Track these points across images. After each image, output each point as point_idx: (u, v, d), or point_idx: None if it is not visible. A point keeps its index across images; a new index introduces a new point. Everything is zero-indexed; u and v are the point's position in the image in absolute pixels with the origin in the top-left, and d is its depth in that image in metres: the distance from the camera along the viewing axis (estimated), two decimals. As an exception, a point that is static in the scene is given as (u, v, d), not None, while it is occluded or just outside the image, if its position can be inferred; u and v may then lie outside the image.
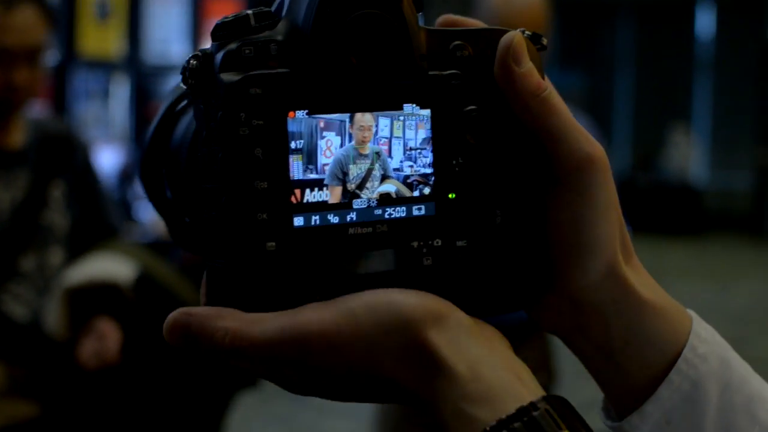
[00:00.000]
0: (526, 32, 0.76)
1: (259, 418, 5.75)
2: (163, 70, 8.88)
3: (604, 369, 0.75)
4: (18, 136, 2.85)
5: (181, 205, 0.79)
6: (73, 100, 8.14)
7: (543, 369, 3.09)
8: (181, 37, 9.13)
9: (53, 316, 2.78)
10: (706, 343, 0.74)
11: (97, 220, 2.99)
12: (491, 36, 0.75)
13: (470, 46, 0.74)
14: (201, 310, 0.69)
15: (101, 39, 8.44)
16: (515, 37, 0.73)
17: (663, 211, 14.76)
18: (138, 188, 7.37)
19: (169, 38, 9.03)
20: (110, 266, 2.84)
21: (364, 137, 0.70)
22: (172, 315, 0.70)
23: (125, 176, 7.31)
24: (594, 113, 15.93)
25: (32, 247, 2.82)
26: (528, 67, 0.72)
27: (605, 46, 17.30)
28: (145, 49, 8.78)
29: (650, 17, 16.90)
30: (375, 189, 0.71)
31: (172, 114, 0.82)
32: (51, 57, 3.32)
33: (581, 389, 5.98)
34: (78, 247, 2.88)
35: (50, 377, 2.78)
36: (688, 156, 15.71)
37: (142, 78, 8.78)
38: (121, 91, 8.56)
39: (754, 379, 0.76)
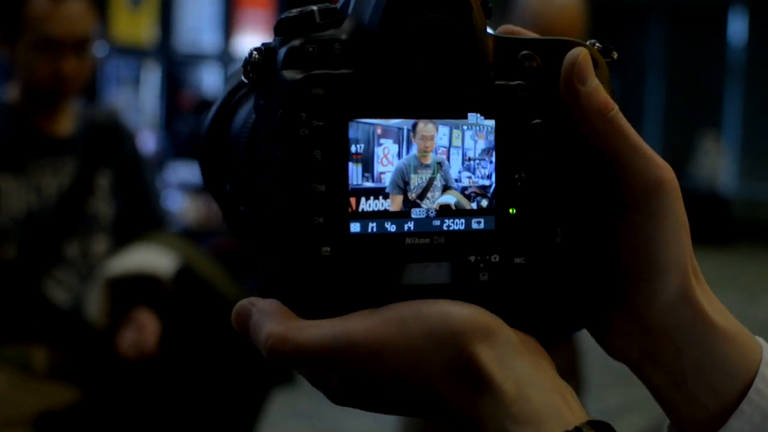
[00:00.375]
0: (597, 44, 0.74)
1: (281, 412, 5.73)
2: (194, 59, 8.92)
3: (674, 397, 0.74)
4: (66, 124, 2.92)
5: (237, 195, 0.78)
6: (104, 87, 8.16)
7: (571, 376, 3.06)
8: (213, 26, 9.17)
9: (94, 305, 2.84)
10: None
11: (142, 210, 3.06)
12: (561, 47, 0.73)
13: (539, 57, 0.72)
14: (263, 304, 0.68)
15: (133, 26, 8.49)
16: (580, 54, 0.71)
17: (691, 219, 14.55)
18: (167, 176, 7.36)
19: (201, 27, 9.07)
20: (151, 258, 2.89)
21: (426, 147, 0.69)
22: (240, 302, 0.70)
23: (155, 164, 7.30)
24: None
25: (77, 234, 2.88)
26: (593, 86, 0.71)
27: (637, 50, 17.27)
28: (177, 37, 8.82)
29: (682, 22, 16.86)
30: (436, 199, 0.70)
31: (232, 101, 0.81)
32: (99, 48, 3.41)
33: (608, 396, 5.94)
34: (122, 236, 2.97)
35: (89, 364, 2.83)
36: (718, 164, 15.67)
37: (173, 66, 8.83)
38: (152, 79, 8.59)
39: None
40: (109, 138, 2.97)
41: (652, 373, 0.74)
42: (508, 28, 0.75)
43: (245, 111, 0.78)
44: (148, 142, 7.88)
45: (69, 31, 2.76)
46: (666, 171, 0.71)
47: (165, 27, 8.70)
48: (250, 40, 8.59)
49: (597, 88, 0.71)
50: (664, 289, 0.71)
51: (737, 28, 16.46)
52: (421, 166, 0.69)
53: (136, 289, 2.84)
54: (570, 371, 3.12)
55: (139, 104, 8.63)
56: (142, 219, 3.02)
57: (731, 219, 15.45)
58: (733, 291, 11.06)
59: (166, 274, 2.88)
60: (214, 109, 0.81)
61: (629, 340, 0.74)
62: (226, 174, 0.80)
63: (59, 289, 2.85)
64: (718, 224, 15.01)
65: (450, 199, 0.69)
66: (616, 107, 0.71)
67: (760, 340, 0.75)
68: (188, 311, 2.91)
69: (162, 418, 2.89)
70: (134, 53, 8.55)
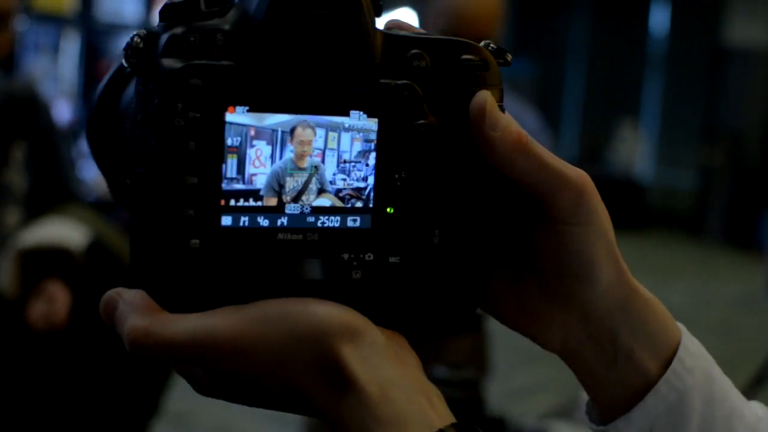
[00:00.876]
0: (492, 45, 0.74)
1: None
2: (114, 28, 8.81)
3: (604, 378, 0.76)
4: None
5: (122, 167, 0.76)
6: (23, 55, 8.04)
7: (478, 360, 3.08)
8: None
9: (5, 275, 2.83)
10: (693, 356, 0.76)
11: (56, 183, 3.03)
12: (453, 49, 0.72)
13: (428, 56, 0.71)
14: (129, 296, 0.67)
15: (53, -6, 8.33)
16: (486, 100, 0.71)
17: (607, 205, 14.69)
18: (83, 146, 7.29)
19: (123, -3, 8.94)
20: (63, 231, 2.87)
21: (304, 151, 0.68)
22: (108, 292, 0.68)
23: (71, 133, 7.22)
24: (543, 102, 16.07)
25: None
26: (504, 126, 0.71)
27: (558, 36, 17.36)
28: (98, 6, 8.69)
29: (605, 10, 16.96)
30: (311, 202, 0.68)
31: (124, 74, 0.79)
32: (20, 21, 3.33)
33: (518, 377, 5.99)
34: (35, 209, 2.91)
35: None
36: (635, 151, 15.82)
37: (93, 35, 8.70)
38: (71, 48, 8.47)
39: (734, 393, 0.78)
40: (25, 110, 2.93)
41: (587, 358, 0.76)
42: (395, 23, 0.74)
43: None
44: (65, 111, 7.80)
45: None
46: (584, 178, 0.73)
47: (85, -4, 8.58)
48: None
49: (508, 128, 0.71)
50: (601, 278, 0.74)
51: (659, 17, 16.60)
52: (296, 169, 0.67)
53: (47, 261, 2.84)
54: (477, 355, 3.13)
55: (57, 73, 8.51)
56: (55, 191, 2.99)
57: (646, 205, 15.60)
58: (647, 276, 11.16)
59: (77, 246, 2.86)
60: (104, 80, 0.79)
61: (568, 332, 0.75)
62: (112, 145, 0.78)
63: None
64: (633, 210, 15.14)
65: (324, 202, 0.68)
66: (527, 136, 0.71)
67: (680, 325, 0.78)
68: (99, 284, 2.88)
69: (70, 389, 2.87)
70: (54, 21, 8.43)
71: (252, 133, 0.66)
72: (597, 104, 17.02)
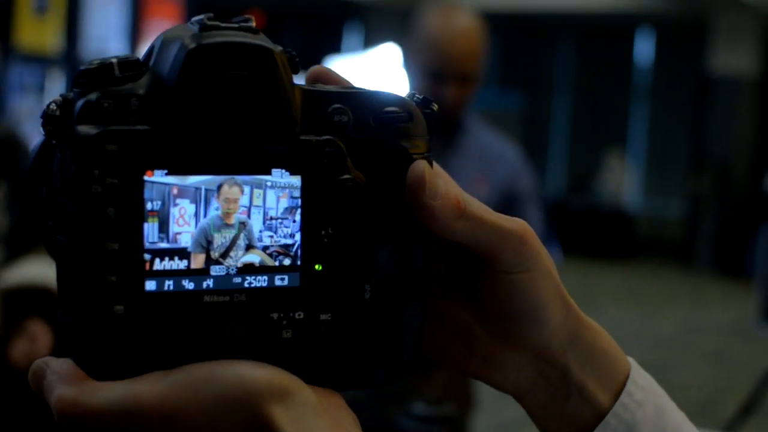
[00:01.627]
0: (417, 96, 0.73)
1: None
2: (99, 68, 8.81)
3: (557, 415, 0.76)
4: None
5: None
6: (7, 94, 8.04)
7: (456, 397, 3.06)
8: (119, 36, 9.08)
9: None
10: (643, 390, 0.76)
11: (38, 223, 3.01)
12: (375, 101, 0.71)
13: (350, 111, 0.70)
14: (56, 365, 0.66)
15: (38, 33, 8.38)
16: (424, 170, 0.70)
17: (595, 235, 14.90)
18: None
19: (107, 36, 8.98)
20: (45, 270, 2.87)
21: (230, 209, 0.66)
22: (36, 362, 0.67)
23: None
24: (530, 134, 16.14)
25: None
26: (443, 194, 0.70)
27: (544, 68, 17.44)
28: (82, 45, 8.71)
29: (590, 41, 17.06)
30: (239, 258, 0.67)
31: None
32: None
33: (504, 411, 5.96)
34: (16, 248, 2.91)
35: None
36: (622, 181, 15.86)
37: (78, 74, 8.71)
38: (56, 87, 8.48)
39: (687, 427, 0.78)
40: (6, 151, 2.95)
41: (540, 396, 0.76)
42: (320, 71, 0.74)
43: None
44: (50, 150, 7.80)
45: None
46: (523, 227, 0.72)
47: (70, 35, 8.60)
48: (156, 50, 8.49)
49: (447, 194, 0.70)
50: (551, 318, 0.74)
51: (644, 48, 16.69)
52: (224, 225, 0.66)
53: (29, 300, 2.84)
54: (460, 390, 3.11)
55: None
56: (37, 231, 3.00)
57: (635, 235, 15.63)
58: (634, 306, 11.20)
59: None
60: (40, 140, 0.76)
61: (520, 372, 0.76)
62: (47, 209, 0.75)
63: None
64: (622, 240, 15.17)
65: (254, 258, 0.67)
66: (464, 199, 0.71)
67: (630, 359, 0.78)
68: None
69: (52, 428, 2.87)
70: (39, 61, 8.44)
71: (175, 191, 0.65)
72: (584, 135, 17.09)
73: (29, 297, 2.83)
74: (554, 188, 16.72)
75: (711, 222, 14.33)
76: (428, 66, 3.07)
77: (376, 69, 12.00)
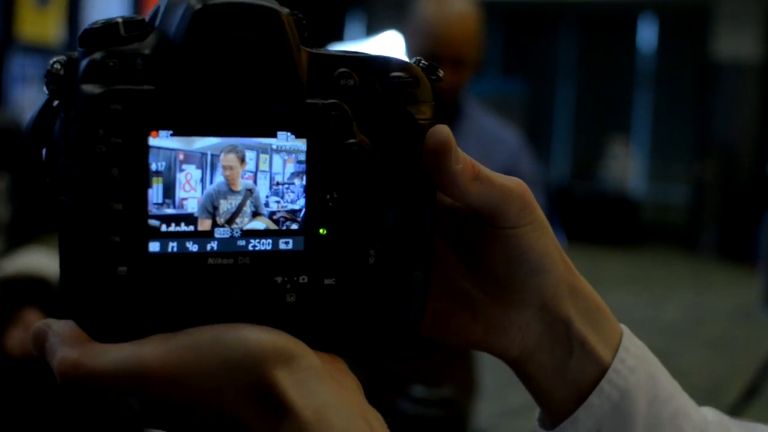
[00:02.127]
0: (423, 62, 0.73)
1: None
2: (101, 58, 8.83)
3: (560, 377, 0.77)
4: None
5: (54, 191, 0.74)
6: (9, 86, 8.05)
7: (458, 382, 3.07)
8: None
9: None
10: (636, 357, 0.77)
11: (39, 213, 3.02)
12: (381, 66, 0.71)
13: (356, 75, 0.70)
14: (58, 327, 0.66)
15: (40, 24, 8.39)
16: (449, 136, 0.71)
17: (600, 222, 14.89)
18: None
19: (110, 26, 8.98)
20: (41, 260, 2.88)
21: (232, 176, 0.67)
22: (37, 324, 0.67)
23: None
24: (534, 121, 16.13)
25: None
26: (463, 159, 0.71)
27: (547, 55, 17.41)
28: (84, 35, 8.72)
29: (593, 28, 17.03)
30: (244, 225, 0.67)
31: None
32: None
33: (509, 397, 5.97)
34: (17, 239, 2.93)
35: None
36: (627, 167, 15.85)
37: (80, 65, 8.73)
38: (58, 78, 8.49)
39: (681, 395, 0.79)
40: (8, 141, 2.96)
41: (544, 357, 0.76)
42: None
43: None
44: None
45: None
46: (523, 186, 0.74)
47: (72, 26, 8.61)
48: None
49: (465, 159, 0.71)
50: (554, 267, 0.75)
51: (647, 34, 16.66)
52: (230, 191, 0.66)
53: (25, 290, 2.85)
54: (463, 375, 3.13)
55: (44, 103, 8.53)
56: (38, 222, 3.01)
57: (639, 221, 15.62)
58: (639, 292, 11.20)
59: (55, 275, 2.86)
60: (42, 102, 0.76)
61: (526, 331, 0.76)
62: (46, 170, 0.75)
63: None
64: (626, 226, 15.17)
65: (258, 225, 0.67)
66: (477, 163, 0.72)
67: (623, 327, 0.79)
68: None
69: (48, 415, 2.88)
70: (40, 51, 8.45)
71: (181, 157, 0.65)
72: (587, 122, 17.07)
73: (26, 286, 2.84)
74: (558, 175, 16.71)
75: (715, 208, 14.32)
76: (423, 50, 3.09)
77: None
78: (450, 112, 3.20)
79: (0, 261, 2.87)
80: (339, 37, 15.78)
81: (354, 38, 15.52)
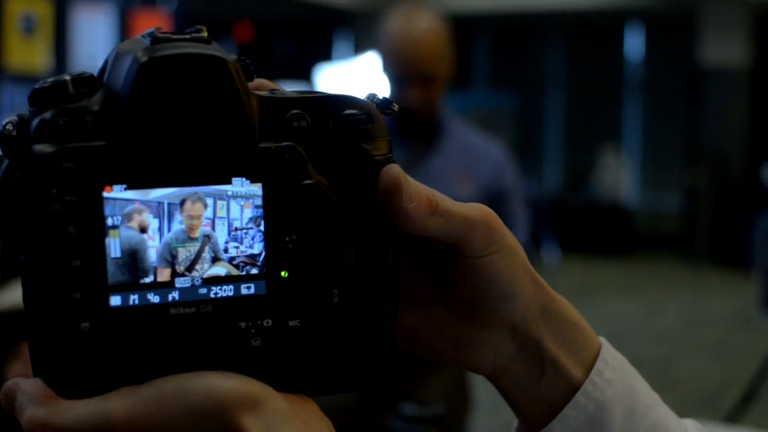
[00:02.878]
0: (377, 98, 0.73)
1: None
2: (89, 86, 8.84)
3: (533, 393, 0.78)
4: None
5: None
6: (-2, 115, 8.06)
7: (451, 398, 3.06)
8: (108, 54, 9.09)
9: None
10: (614, 369, 0.77)
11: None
12: (334, 105, 0.72)
13: (309, 116, 0.70)
14: (26, 386, 0.66)
15: (27, 53, 8.40)
16: (399, 174, 0.71)
17: (594, 231, 14.89)
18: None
19: (96, 54, 8.99)
20: None
21: (193, 225, 0.67)
22: (6, 383, 0.68)
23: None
24: (524, 133, 16.15)
25: None
26: (417, 195, 0.71)
27: (535, 67, 17.44)
28: (72, 63, 8.72)
29: (580, 38, 17.07)
30: (205, 271, 0.67)
31: None
32: None
33: (503, 412, 5.97)
34: (10, 271, 2.89)
35: None
36: (619, 177, 15.85)
37: (68, 93, 8.74)
38: (46, 106, 8.50)
39: (660, 408, 0.79)
40: None
41: (517, 373, 0.77)
42: (262, 82, 0.74)
43: None
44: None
45: None
46: (487, 213, 0.74)
47: (59, 54, 8.62)
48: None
49: (420, 195, 0.71)
50: (523, 292, 0.76)
51: (634, 43, 16.69)
52: (188, 239, 0.66)
53: (23, 324, 2.81)
54: (456, 391, 3.12)
55: (33, 132, 8.54)
56: None
57: (633, 230, 15.62)
58: (635, 300, 11.19)
59: None
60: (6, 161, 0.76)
61: (497, 350, 0.77)
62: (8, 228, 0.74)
63: None
64: (620, 235, 15.16)
65: (220, 270, 0.67)
66: (434, 197, 0.72)
67: (602, 339, 0.79)
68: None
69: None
70: (29, 81, 8.45)
71: (137, 206, 0.65)
72: (578, 132, 17.09)
73: (23, 321, 2.81)
74: (551, 186, 16.72)
75: (708, 214, 14.32)
76: (391, 71, 3.12)
77: (366, 76, 12.01)
78: (430, 129, 3.20)
79: None
80: (327, 57, 15.80)
81: (342, 58, 15.54)
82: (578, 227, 14.69)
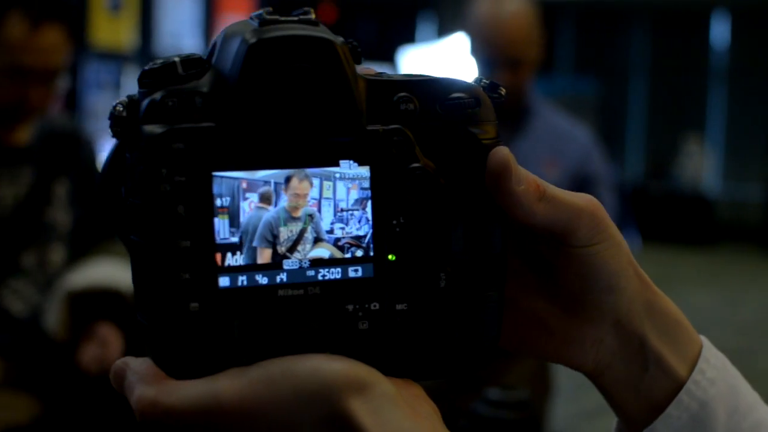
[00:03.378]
0: (484, 81, 0.73)
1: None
2: (174, 63, 8.92)
3: (635, 390, 0.76)
4: (24, 134, 2.84)
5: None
6: (84, 92, 8.15)
7: (540, 382, 3.05)
8: (193, 31, 9.17)
9: (54, 317, 2.78)
10: (716, 369, 0.76)
11: (101, 220, 2.96)
12: (441, 88, 0.71)
13: (416, 99, 0.70)
14: (136, 365, 0.67)
15: (113, 31, 8.49)
16: (509, 157, 0.71)
17: (675, 221, 14.78)
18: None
19: (181, 32, 9.07)
20: (113, 272, 2.83)
21: (298, 204, 0.67)
22: (116, 362, 0.69)
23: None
24: (607, 120, 16.03)
25: (34, 243, 2.82)
26: (525, 178, 0.71)
27: (620, 54, 17.30)
28: (157, 41, 8.80)
29: (665, 25, 16.90)
30: (307, 252, 0.67)
31: None
32: (66, 79, 3.28)
33: (583, 399, 5.94)
34: (80, 246, 2.88)
35: (49, 375, 2.77)
36: (701, 166, 15.71)
37: (154, 71, 8.82)
38: (132, 83, 8.57)
39: (762, 407, 0.78)
40: (67, 146, 2.90)
41: (620, 370, 0.76)
42: (364, 69, 0.73)
43: None
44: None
45: (42, 62, 2.68)
46: (593, 203, 0.74)
47: (145, 32, 8.70)
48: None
49: (528, 178, 0.71)
50: (628, 286, 0.75)
51: (720, 31, 16.50)
52: (290, 218, 0.67)
53: (98, 304, 2.78)
54: (538, 377, 3.12)
55: (119, 109, 8.64)
56: (100, 228, 2.93)
57: (715, 220, 15.48)
58: (715, 291, 11.09)
59: (128, 288, 2.77)
60: (116, 142, 0.78)
61: (600, 346, 0.76)
62: (120, 208, 0.75)
63: (15, 299, 2.79)
64: (702, 225, 15.03)
65: (322, 252, 0.67)
66: (543, 182, 0.72)
67: (703, 338, 0.78)
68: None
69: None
70: (114, 58, 8.54)
71: (244, 185, 0.65)
72: (661, 120, 16.94)
73: (98, 300, 2.78)
74: (632, 174, 16.60)
75: (792, 205, 14.15)
76: (480, 52, 3.12)
77: (450, 58, 11.98)
78: (517, 113, 3.19)
79: (66, 273, 2.83)
80: (410, 40, 15.79)
81: (425, 40, 15.52)
82: (659, 216, 14.58)
